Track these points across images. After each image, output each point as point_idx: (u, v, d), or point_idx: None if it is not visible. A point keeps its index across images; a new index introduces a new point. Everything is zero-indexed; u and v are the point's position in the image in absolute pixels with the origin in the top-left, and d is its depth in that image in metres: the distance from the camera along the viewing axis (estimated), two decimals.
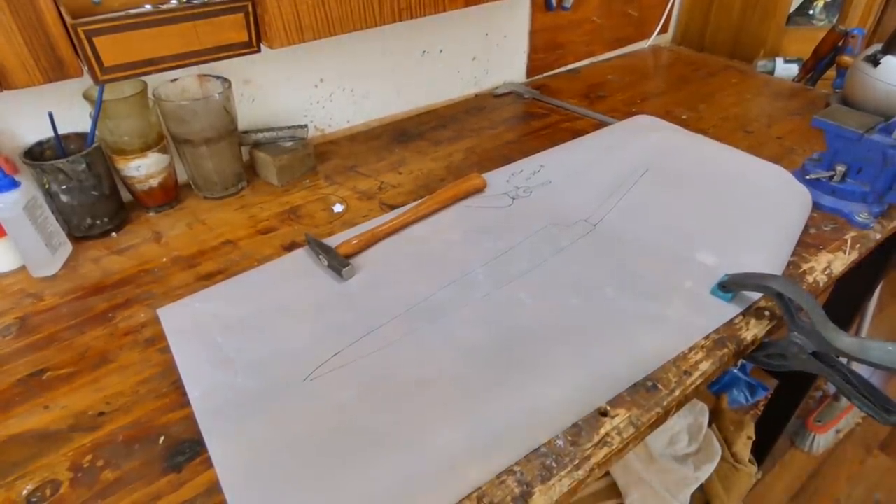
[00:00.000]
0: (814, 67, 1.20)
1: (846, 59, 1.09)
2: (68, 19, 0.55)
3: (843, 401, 1.51)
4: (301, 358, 0.56)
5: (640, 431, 0.50)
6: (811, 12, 1.41)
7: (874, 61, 0.88)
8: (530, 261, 0.68)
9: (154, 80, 0.76)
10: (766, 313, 0.61)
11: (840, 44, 1.14)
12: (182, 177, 0.86)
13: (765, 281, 0.56)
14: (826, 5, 1.40)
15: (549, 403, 0.51)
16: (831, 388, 1.59)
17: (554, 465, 0.47)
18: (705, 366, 0.55)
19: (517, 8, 1.13)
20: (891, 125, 0.71)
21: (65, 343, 0.60)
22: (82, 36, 0.56)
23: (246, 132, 0.87)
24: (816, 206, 0.76)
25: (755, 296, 0.62)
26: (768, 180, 0.78)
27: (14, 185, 0.65)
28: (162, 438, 0.50)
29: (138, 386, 0.55)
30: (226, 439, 0.49)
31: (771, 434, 1.34)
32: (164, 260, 0.71)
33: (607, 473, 1.15)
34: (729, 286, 0.60)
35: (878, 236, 0.73)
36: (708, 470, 1.14)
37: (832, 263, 0.68)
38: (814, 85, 1.21)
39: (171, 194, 0.81)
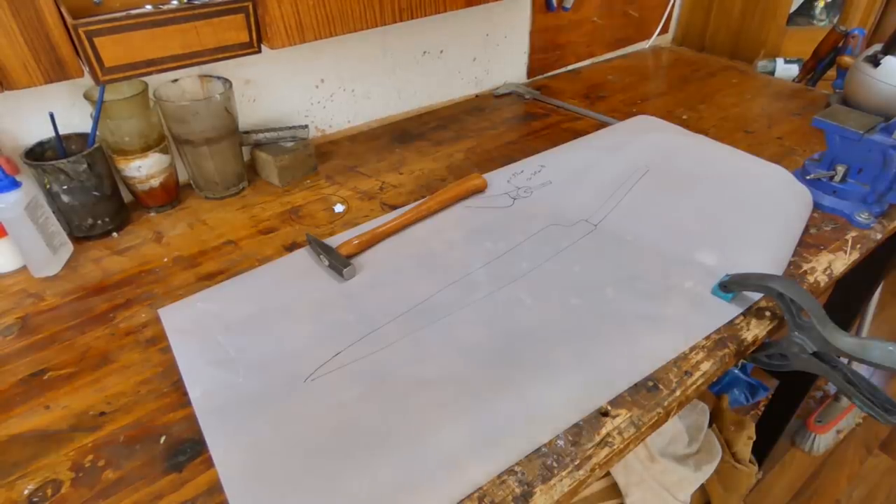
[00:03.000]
0: (814, 68, 1.20)
1: (846, 59, 1.09)
2: (69, 19, 0.55)
3: (844, 401, 1.51)
4: (302, 358, 0.56)
5: (640, 432, 0.50)
6: (812, 12, 1.41)
7: (874, 62, 0.88)
8: (531, 261, 0.68)
9: (155, 81, 0.76)
10: (767, 313, 0.61)
11: (840, 44, 1.14)
12: (183, 177, 0.86)
13: (765, 281, 0.56)
14: (826, 5, 1.40)
15: (550, 403, 0.51)
16: (832, 389, 1.59)
17: (555, 465, 0.47)
18: (706, 366, 0.55)
19: (517, 8, 1.13)
20: (891, 125, 0.71)
21: (66, 343, 0.60)
22: (83, 36, 0.56)
23: (247, 132, 0.87)
24: (817, 206, 0.76)
25: (756, 296, 0.62)
26: (769, 180, 0.78)
27: (15, 185, 0.65)
28: (163, 438, 0.50)
29: (139, 386, 0.55)
30: (227, 439, 0.49)
31: (771, 434, 1.34)
32: (165, 260, 0.71)
33: (608, 473, 1.15)
34: (730, 286, 0.60)
35: (879, 236, 0.73)
36: (708, 470, 1.14)
37: (833, 263, 0.68)
38: (814, 85, 1.21)
39: (172, 194, 0.81)
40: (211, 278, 0.68)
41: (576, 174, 0.84)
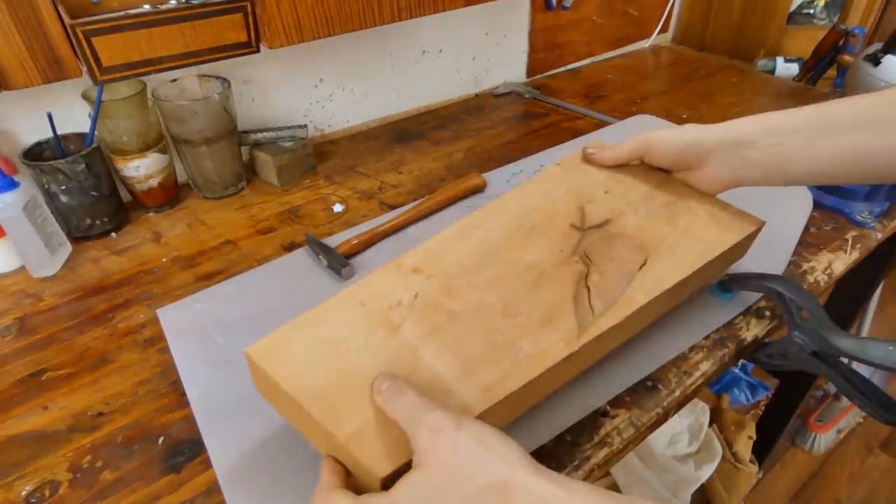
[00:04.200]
0: (814, 67, 1.20)
1: (847, 58, 1.09)
2: (67, 19, 0.55)
3: (844, 400, 1.51)
4: None
5: (640, 432, 0.50)
6: (812, 11, 1.41)
7: (875, 60, 0.88)
8: None
9: (153, 81, 0.76)
10: (767, 313, 0.61)
11: (840, 43, 1.14)
12: (182, 177, 0.86)
13: (765, 280, 0.56)
14: (827, 4, 1.40)
15: (549, 403, 0.50)
16: (832, 388, 1.59)
17: (553, 465, 0.47)
18: (705, 366, 0.55)
19: (517, 7, 1.13)
20: None
21: (64, 343, 0.60)
22: (81, 36, 0.56)
23: (246, 132, 0.87)
24: (817, 205, 0.76)
25: (755, 295, 0.62)
26: None
27: (13, 185, 0.65)
28: (161, 439, 0.50)
29: (137, 386, 0.55)
30: (225, 441, 0.49)
31: (772, 434, 1.34)
32: (164, 260, 0.71)
33: (608, 473, 1.15)
34: (729, 286, 0.60)
35: (879, 236, 0.72)
36: (709, 470, 1.14)
37: (833, 263, 0.68)
38: (814, 84, 1.21)
39: (170, 194, 0.81)
40: (209, 278, 0.68)
41: None
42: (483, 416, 0.39)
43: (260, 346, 0.43)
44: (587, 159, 0.61)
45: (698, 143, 0.53)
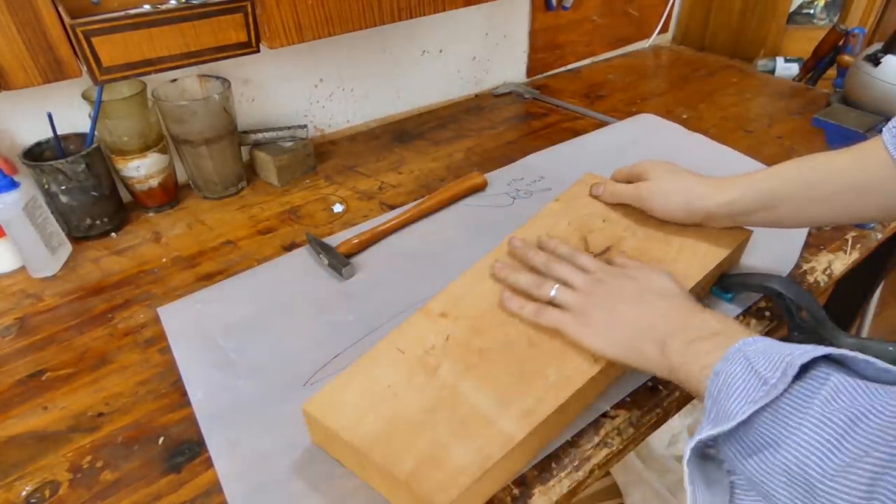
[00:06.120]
0: (814, 67, 1.20)
1: (846, 58, 1.09)
2: (67, 19, 0.55)
3: None
4: (301, 360, 0.56)
5: (640, 432, 0.50)
6: (812, 11, 1.41)
7: (875, 60, 0.88)
8: None
9: (154, 81, 0.76)
10: (767, 313, 0.61)
11: (840, 43, 1.14)
12: (182, 177, 0.86)
13: (765, 281, 0.56)
14: (826, 5, 1.40)
15: None
16: None
17: (553, 465, 0.47)
18: None
19: (517, 7, 1.13)
20: None
21: (64, 344, 0.60)
22: (81, 36, 0.56)
23: (246, 132, 0.87)
24: None
25: (755, 295, 0.62)
26: None
27: (13, 185, 0.65)
28: (161, 439, 0.50)
29: (138, 387, 0.55)
30: (227, 442, 0.49)
31: None
32: (164, 260, 0.71)
33: (608, 473, 1.15)
34: (729, 286, 0.60)
35: (879, 236, 0.72)
36: None
37: (833, 263, 0.68)
38: (814, 84, 1.21)
39: (170, 194, 0.81)
40: (210, 279, 0.68)
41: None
42: (524, 441, 0.42)
43: (314, 401, 0.45)
44: (593, 195, 0.65)
45: (694, 212, 0.57)
